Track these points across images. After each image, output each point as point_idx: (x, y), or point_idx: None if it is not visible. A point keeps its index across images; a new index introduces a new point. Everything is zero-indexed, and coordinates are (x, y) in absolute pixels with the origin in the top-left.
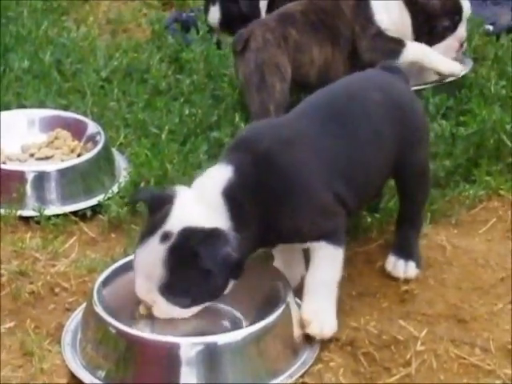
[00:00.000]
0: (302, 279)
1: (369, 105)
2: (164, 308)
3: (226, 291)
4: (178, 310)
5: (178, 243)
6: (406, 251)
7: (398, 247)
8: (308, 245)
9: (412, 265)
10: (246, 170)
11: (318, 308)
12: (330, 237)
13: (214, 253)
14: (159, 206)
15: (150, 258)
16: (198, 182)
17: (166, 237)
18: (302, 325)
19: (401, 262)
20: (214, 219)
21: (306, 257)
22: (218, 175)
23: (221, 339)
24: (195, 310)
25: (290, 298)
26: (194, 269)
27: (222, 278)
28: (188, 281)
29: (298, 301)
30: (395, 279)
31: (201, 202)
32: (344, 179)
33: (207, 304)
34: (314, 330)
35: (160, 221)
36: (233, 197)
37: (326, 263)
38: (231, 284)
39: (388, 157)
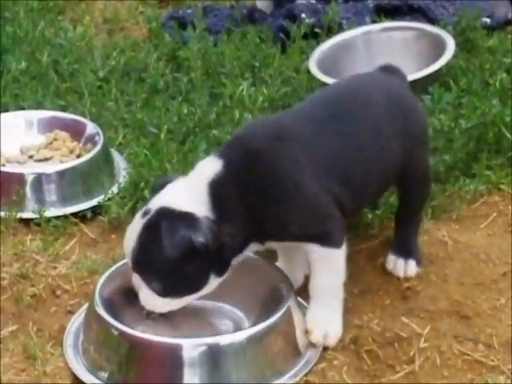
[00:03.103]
0: (306, 279)
1: (370, 105)
2: (146, 294)
3: (209, 288)
4: (158, 299)
5: (152, 219)
6: (406, 249)
7: (398, 245)
8: (302, 245)
9: (412, 263)
10: (234, 165)
11: (320, 315)
12: (322, 239)
13: (173, 231)
14: (158, 189)
15: (131, 234)
16: (192, 171)
17: (145, 213)
18: (306, 332)
19: (401, 261)
20: (193, 206)
21: None
22: (208, 167)
23: (223, 340)
24: (177, 302)
25: (293, 298)
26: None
27: (181, 261)
28: (158, 262)
29: (301, 301)
30: (397, 276)
31: (187, 189)
32: (342, 180)
33: (189, 299)
34: (316, 338)
35: (149, 201)
36: (218, 189)
37: (323, 266)
38: (214, 280)
39: (392, 159)
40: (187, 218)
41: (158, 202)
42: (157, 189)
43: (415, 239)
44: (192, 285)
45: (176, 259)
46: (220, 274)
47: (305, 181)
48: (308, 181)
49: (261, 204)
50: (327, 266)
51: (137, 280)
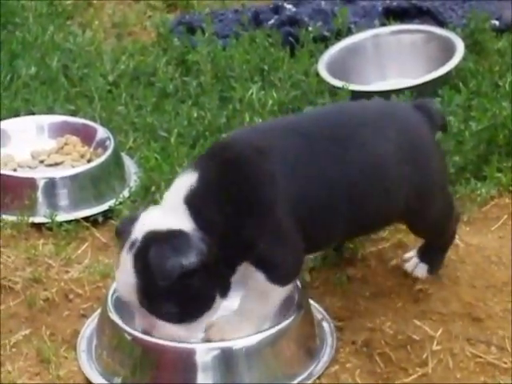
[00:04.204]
0: None
1: (379, 136)
2: (164, 328)
3: (217, 306)
4: (176, 327)
5: (141, 248)
6: (426, 255)
7: (420, 248)
8: (250, 269)
9: (424, 267)
10: (209, 174)
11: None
12: (272, 271)
13: (161, 260)
14: (127, 227)
15: (124, 274)
16: (166, 193)
17: (132, 245)
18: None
19: (415, 260)
20: (177, 223)
21: None
22: (183, 182)
23: (236, 344)
24: (195, 327)
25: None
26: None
27: (182, 283)
28: (161, 291)
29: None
30: (409, 278)
31: (166, 208)
32: (324, 205)
33: (204, 320)
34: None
35: (126, 236)
36: (194, 203)
37: (259, 298)
38: (219, 300)
39: (392, 199)
40: (175, 238)
41: (140, 230)
42: (124, 226)
43: (440, 250)
44: (202, 302)
45: (175, 284)
46: (223, 292)
47: (274, 199)
48: (277, 200)
49: (234, 215)
50: (261, 298)
51: (147, 319)
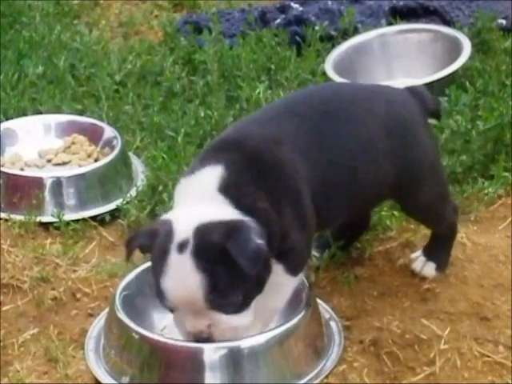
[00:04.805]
0: None
1: (368, 115)
2: (226, 322)
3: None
4: (235, 317)
5: (199, 243)
6: (432, 251)
7: (426, 246)
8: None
9: (432, 265)
10: (237, 168)
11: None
12: (291, 262)
13: (244, 248)
14: (150, 237)
15: (180, 277)
16: (183, 192)
17: (182, 246)
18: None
19: (422, 259)
20: (225, 214)
21: None
22: (207, 176)
23: (244, 343)
24: (251, 312)
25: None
26: (228, 264)
27: (259, 269)
28: (229, 277)
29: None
30: (416, 278)
31: (199, 204)
32: (328, 186)
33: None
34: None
35: (167, 241)
36: (232, 192)
37: (273, 290)
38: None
39: (384, 172)
40: (237, 224)
41: (186, 228)
42: (147, 237)
43: (445, 246)
44: (260, 284)
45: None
46: (269, 271)
47: (299, 184)
48: (301, 185)
49: (271, 206)
50: (276, 290)
51: (203, 320)
